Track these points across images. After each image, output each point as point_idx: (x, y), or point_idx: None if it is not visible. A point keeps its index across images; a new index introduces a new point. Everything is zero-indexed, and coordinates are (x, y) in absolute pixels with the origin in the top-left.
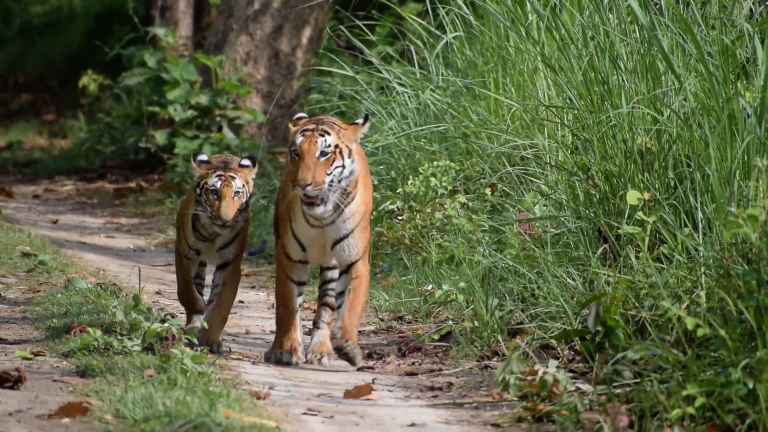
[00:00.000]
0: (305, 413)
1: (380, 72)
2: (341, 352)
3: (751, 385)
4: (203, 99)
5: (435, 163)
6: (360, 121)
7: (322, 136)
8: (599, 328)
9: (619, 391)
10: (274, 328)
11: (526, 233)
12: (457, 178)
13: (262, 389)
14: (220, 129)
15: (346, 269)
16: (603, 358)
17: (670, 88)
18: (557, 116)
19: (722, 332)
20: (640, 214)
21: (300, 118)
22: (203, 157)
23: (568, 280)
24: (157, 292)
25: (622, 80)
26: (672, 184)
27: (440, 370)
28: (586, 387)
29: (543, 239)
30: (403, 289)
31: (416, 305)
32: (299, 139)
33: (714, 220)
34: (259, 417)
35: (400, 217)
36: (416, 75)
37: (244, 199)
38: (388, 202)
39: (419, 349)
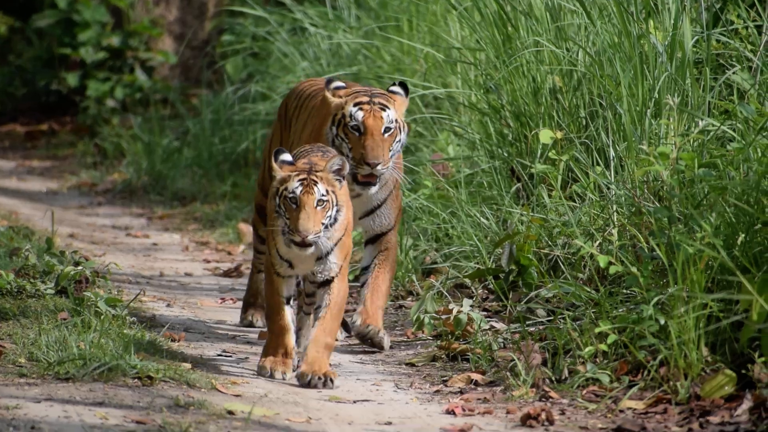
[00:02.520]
0: (220, 355)
1: (293, 12)
2: (365, 339)
3: (662, 322)
4: (115, 41)
5: None
6: (400, 90)
7: (384, 110)
8: (513, 267)
9: (532, 329)
10: (188, 270)
11: (439, 173)
12: None
13: (176, 332)
14: (132, 71)
15: (375, 240)
16: (516, 296)
17: (579, 27)
18: (469, 57)
19: (634, 269)
20: (552, 153)
21: (339, 87)
22: (286, 156)
23: (482, 219)
24: (71, 235)
25: (530, 19)
26: (584, 122)
27: (355, 310)
28: (499, 325)
29: (457, 179)
30: None
31: None
32: (361, 114)
33: (626, 158)
34: (173, 359)
35: None
36: (329, 16)
37: (330, 212)
38: None
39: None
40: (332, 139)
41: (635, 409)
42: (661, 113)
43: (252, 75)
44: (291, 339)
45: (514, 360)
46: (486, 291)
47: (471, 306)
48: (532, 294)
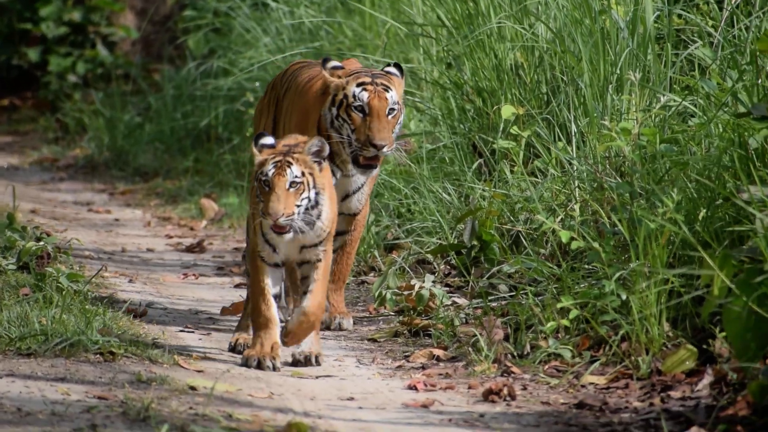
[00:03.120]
0: (182, 330)
1: None
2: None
3: (624, 297)
4: (76, 16)
5: None
6: (396, 71)
7: (387, 91)
8: (475, 242)
9: (494, 304)
10: (150, 245)
11: (402, 149)
12: None
13: (138, 307)
14: (93, 46)
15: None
16: (479, 272)
17: (541, 3)
18: (431, 32)
19: (596, 245)
20: (514, 129)
21: (337, 67)
22: (268, 140)
23: (444, 195)
24: (32, 211)
25: None
26: (545, 98)
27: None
28: (462, 301)
29: (419, 155)
30: None
31: None
32: (365, 95)
33: (587, 134)
34: (135, 335)
35: None
36: None
37: (306, 194)
38: None
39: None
40: (331, 120)
41: (597, 384)
42: (622, 89)
43: (214, 50)
44: (277, 331)
45: (476, 335)
46: (448, 266)
47: (433, 282)
48: (494, 269)
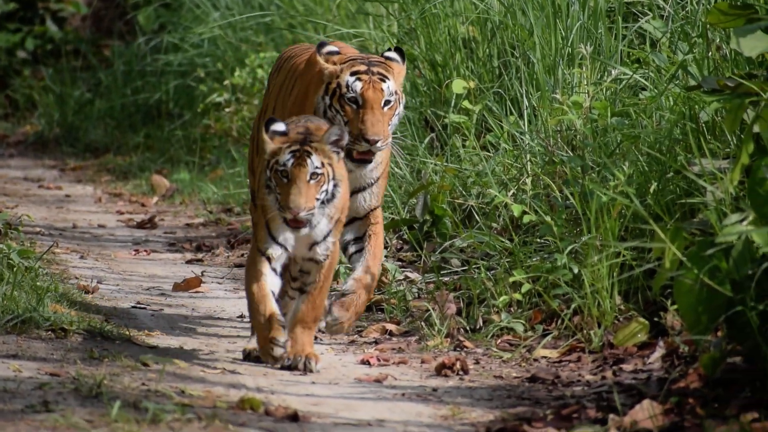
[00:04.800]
0: (134, 307)
1: None
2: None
3: (576, 270)
4: None
5: (261, 54)
6: (396, 56)
7: (383, 81)
8: (427, 217)
9: (447, 279)
10: (101, 221)
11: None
12: None
13: (90, 283)
14: (43, 22)
15: (363, 216)
16: (431, 246)
17: None
18: (382, 7)
19: (548, 218)
20: (465, 103)
21: (332, 53)
22: (278, 126)
23: (396, 169)
24: None
25: None
26: (497, 72)
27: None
28: (414, 275)
29: None
30: (232, 182)
31: (245, 197)
32: (359, 86)
33: (539, 108)
34: (87, 311)
35: (227, 109)
36: None
37: (326, 186)
38: (215, 95)
39: (248, 240)
40: (324, 110)
41: (549, 358)
42: (574, 62)
43: (164, 25)
44: (281, 329)
45: (428, 310)
46: (400, 241)
47: (385, 256)
48: (447, 244)
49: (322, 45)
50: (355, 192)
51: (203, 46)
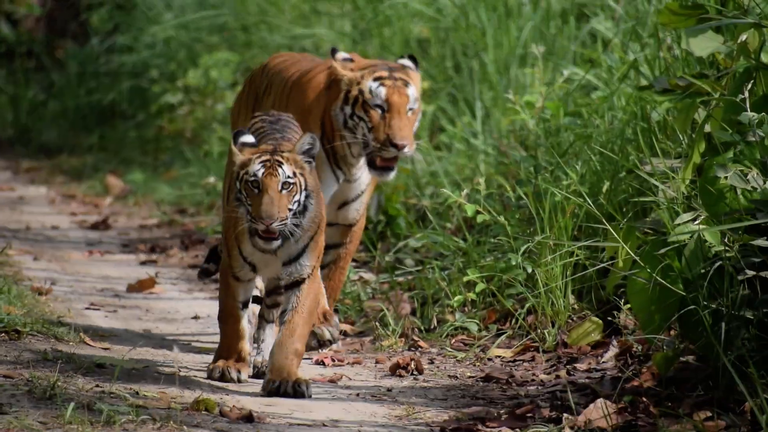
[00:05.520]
0: (88, 308)
1: None
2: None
3: (530, 270)
4: None
5: (215, 55)
6: (411, 64)
7: (407, 86)
8: (381, 217)
9: (401, 279)
10: (54, 223)
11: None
12: (237, 70)
13: (43, 285)
14: None
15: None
16: (385, 246)
17: None
18: (335, 8)
19: (501, 218)
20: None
21: (347, 60)
22: (248, 138)
23: None
24: None
25: None
26: (450, 72)
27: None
28: (368, 276)
29: None
30: (185, 182)
31: (199, 198)
32: (383, 91)
33: (492, 108)
34: (41, 313)
35: (180, 110)
36: None
37: (299, 196)
38: (168, 95)
39: (202, 241)
40: (344, 120)
41: (503, 358)
42: (526, 63)
43: (117, 26)
44: (246, 344)
45: (383, 310)
46: None
47: None
48: (401, 244)
49: (335, 51)
50: (343, 204)
51: (156, 47)
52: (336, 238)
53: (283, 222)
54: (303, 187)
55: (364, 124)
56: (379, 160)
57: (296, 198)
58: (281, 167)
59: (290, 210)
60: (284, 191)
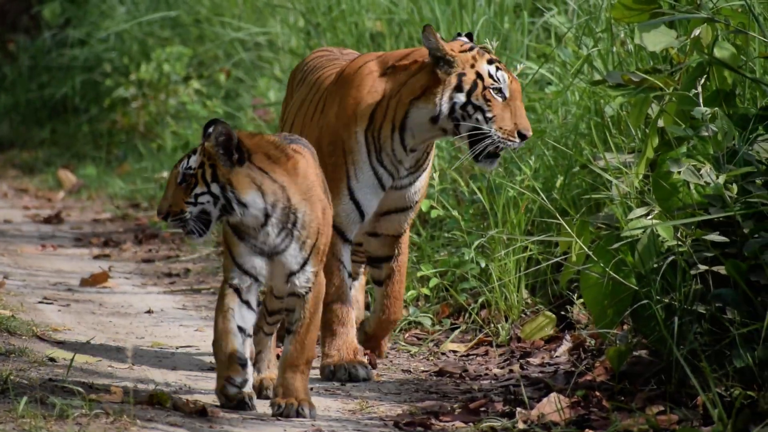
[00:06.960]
0: (41, 302)
1: None
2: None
3: (483, 265)
4: None
5: (168, 49)
6: (467, 41)
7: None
8: None
9: None
10: (7, 217)
11: (260, 118)
12: (190, 65)
13: None
14: None
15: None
16: None
17: None
18: (288, 2)
19: (455, 213)
20: None
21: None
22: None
23: None
24: None
25: None
26: None
27: (177, 256)
28: None
29: (277, 124)
30: (139, 177)
31: (152, 192)
32: (504, 75)
33: None
34: None
35: (133, 104)
36: None
37: (199, 189)
38: (121, 89)
39: (156, 236)
40: (450, 110)
41: (457, 352)
42: None
43: (70, 20)
44: (240, 368)
45: None
46: None
47: None
48: None
49: (427, 28)
50: (387, 213)
51: (109, 41)
52: (384, 251)
53: (178, 216)
54: (209, 179)
55: (483, 113)
56: (492, 149)
57: (195, 190)
58: (187, 159)
59: (190, 203)
60: (183, 184)
